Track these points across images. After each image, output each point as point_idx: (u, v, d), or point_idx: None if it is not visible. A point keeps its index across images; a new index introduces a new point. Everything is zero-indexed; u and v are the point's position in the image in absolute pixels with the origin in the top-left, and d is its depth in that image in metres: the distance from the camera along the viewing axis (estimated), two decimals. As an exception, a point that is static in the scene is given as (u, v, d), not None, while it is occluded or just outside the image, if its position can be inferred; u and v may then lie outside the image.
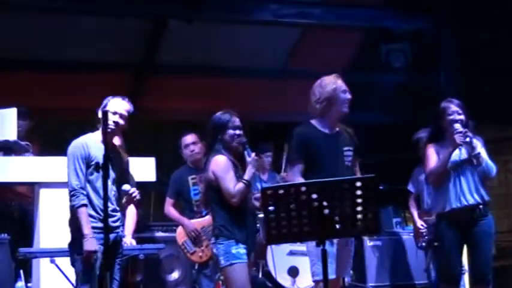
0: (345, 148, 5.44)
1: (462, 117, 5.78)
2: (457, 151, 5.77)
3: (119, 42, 8.74)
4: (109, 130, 5.01)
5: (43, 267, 6.34)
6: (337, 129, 5.49)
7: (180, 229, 6.99)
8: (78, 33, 8.49)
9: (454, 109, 5.80)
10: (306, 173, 5.31)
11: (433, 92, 8.89)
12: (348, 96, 5.43)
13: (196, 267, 6.91)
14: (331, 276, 5.22)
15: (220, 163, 5.22)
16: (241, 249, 5.17)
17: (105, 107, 5.17)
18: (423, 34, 9.02)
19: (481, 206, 5.77)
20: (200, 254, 6.83)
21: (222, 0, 8.39)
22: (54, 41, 8.43)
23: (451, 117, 5.77)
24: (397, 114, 9.27)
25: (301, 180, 5.22)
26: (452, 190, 5.76)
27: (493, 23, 9.18)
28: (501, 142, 12.96)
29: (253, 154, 5.30)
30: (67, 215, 5.17)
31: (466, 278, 6.80)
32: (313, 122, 5.47)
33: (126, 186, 5.15)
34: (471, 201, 5.74)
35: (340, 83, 5.43)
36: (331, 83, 5.42)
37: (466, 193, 5.74)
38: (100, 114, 5.12)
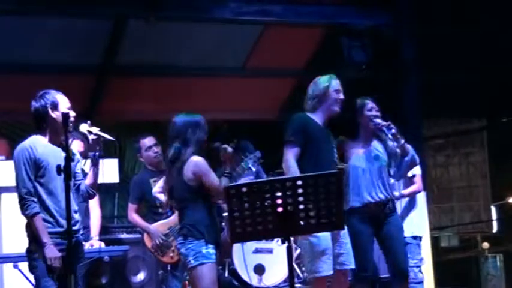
0: (333, 145, 5.61)
1: (379, 113, 5.88)
2: (359, 154, 5.85)
3: (79, 43, 8.66)
4: (70, 129, 4.93)
5: (6, 272, 6.27)
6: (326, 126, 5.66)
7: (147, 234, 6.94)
8: (37, 35, 8.41)
9: (372, 105, 5.88)
10: (301, 160, 5.41)
11: (394, 88, 8.96)
12: (340, 96, 5.60)
13: (168, 268, 6.86)
14: (330, 272, 5.28)
15: (202, 163, 5.23)
16: (210, 249, 5.18)
17: (53, 104, 5.02)
18: (383, 30, 9.08)
19: (390, 202, 5.84)
20: (171, 254, 6.76)
21: (181, -1, 8.38)
22: (12, 43, 8.33)
23: (371, 113, 5.85)
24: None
25: (295, 164, 5.34)
26: (363, 186, 5.80)
27: (453, 18, 9.27)
28: (462, 135, 13.12)
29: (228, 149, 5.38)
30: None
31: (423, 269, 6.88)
32: (308, 114, 5.63)
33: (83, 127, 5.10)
34: (381, 197, 5.79)
35: (334, 83, 5.58)
36: (325, 81, 5.60)
37: (377, 189, 5.80)
38: (54, 114, 4.98)
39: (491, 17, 9.32)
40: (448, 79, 9.59)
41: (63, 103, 5.04)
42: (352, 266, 5.57)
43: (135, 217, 6.97)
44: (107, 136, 5.25)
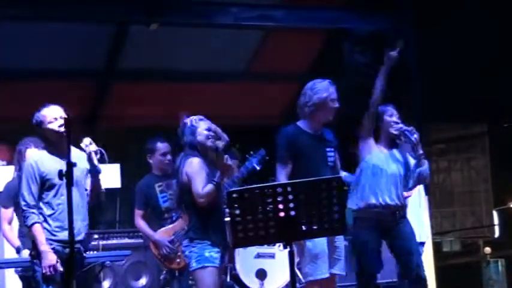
0: (328, 149, 5.54)
1: (400, 120, 5.89)
2: (381, 154, 5.83)
3: (80, 49, 8.67)
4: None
5: (8, 278, 6.27)
6: (321, 131, 5.61)
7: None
8: (38, 41, 8.41)
9: (392, 111, 5.89)
10: (292, 173, 5.40)
11: (395, 93, 8.95)
12: (336, 105, 5.57)
13: (176, 274, 6.77)
14: (325, 275, 5.28)
15: (194, 164, 5.24)
16: (214, 253, 5.17)
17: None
18: (385, 35, 9.07)
19: (400, 210, 5.83)
20: (178, 260, 6.64)
21: (183, 5, 8.37)
22: (15, 48, 8.34)
23: (392, 118, 5.86)
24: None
25: (285, 179, 5.33)
26: (379, 187, 5.76)
27: (455, 24, 9.27)
28: (464, 140, 13.11)
29: (228, 160, 5.34)
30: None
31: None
32: (299, 123, 5.60)
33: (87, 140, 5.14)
34: (392, 203, 5.75)
35: (331, 91, 5.56)
36: (324, 89, 5.54)
37: (392, 194, 5.76)
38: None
39: (492, 20, 9.32)
40: (449, 84, 9.58)
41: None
42: (343, 273, 5.57)
43: (141, 224, 6.78)
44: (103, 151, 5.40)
